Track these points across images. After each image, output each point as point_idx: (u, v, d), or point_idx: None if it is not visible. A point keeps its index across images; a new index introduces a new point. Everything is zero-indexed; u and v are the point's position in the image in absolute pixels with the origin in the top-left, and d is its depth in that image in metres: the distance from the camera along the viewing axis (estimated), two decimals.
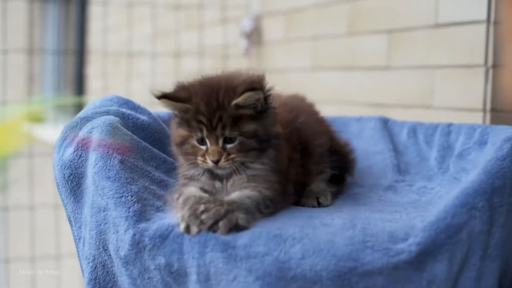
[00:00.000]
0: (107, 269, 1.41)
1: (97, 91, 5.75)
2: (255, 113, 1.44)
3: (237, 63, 3.49)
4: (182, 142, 1.47)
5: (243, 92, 1.41)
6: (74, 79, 7.08)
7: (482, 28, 2.06)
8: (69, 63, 7.45)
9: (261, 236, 1.26)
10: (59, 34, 8.05)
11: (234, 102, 1.41)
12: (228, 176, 1.45)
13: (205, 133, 1.43)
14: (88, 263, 1.42)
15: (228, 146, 1.43)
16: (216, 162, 1.42)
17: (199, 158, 1.44)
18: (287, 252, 1.23)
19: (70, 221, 1.54)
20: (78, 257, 1.54)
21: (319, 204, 1.59)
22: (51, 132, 5.72)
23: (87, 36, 6.30)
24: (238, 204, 1.34)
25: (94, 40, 5.90)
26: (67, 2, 7.88)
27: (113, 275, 1.41)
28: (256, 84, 1.43)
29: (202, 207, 1.32)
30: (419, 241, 1.24)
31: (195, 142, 1.45)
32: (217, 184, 1.46)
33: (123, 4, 4.15)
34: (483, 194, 1.30)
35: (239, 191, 1.41)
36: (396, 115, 2.30)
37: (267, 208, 1.39)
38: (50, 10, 8.14)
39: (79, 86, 6.83)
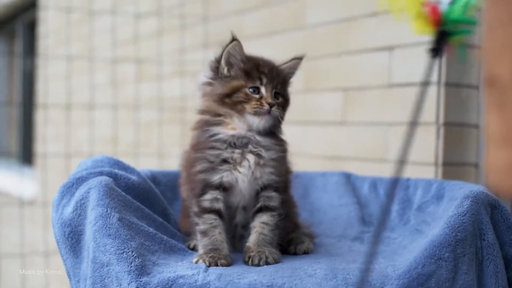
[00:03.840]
0: None
1: (48, 139, 5.79)
2: (288, 87, 1.82)
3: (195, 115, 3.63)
4: (235, 91, 1.71)
5: (291, 60, 1.81)
6: (20, 126, 7.09)
7: (434, 89, 2.27)
8: (15, 111, 7.47)
9: (256, 287, 1.40)
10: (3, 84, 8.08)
11: (285, 65, 1.80)
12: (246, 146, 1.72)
13: (264, 81, 1.72)
14: None
15: (276, 101, 1.73)
16: (271, 106, 1.69)
17: (254, 103, 1.69)
18: None
19: (69, 276, 1.65)
20: None
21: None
22: None
23: (35, 85, 6.35)
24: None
25: (43, 88, 5.96)
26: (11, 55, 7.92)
27: None
28: (298, 57, 1.82)
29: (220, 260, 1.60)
30: None
31: (248, 91, 1.71)
32: (236, 154, 1.70)
33: (83, 56, 4.27)
34: (448, 246, 1.47)
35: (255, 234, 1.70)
36: (352, 167, 2.48)
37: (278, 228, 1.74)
38: None
39: (27, 133, 6.84)
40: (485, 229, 1.56)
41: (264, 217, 1.72)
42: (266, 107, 1.68)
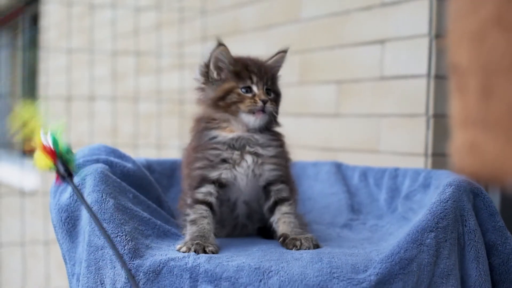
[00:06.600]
0: None
1: None
2: (278, 81, 1.86)
3: (194, 108, 3.69)
4: (227, 93, 1.75)
5: (276, 54, 1.86)
6: None
7: (423, 81, 2.32)
8: (18, 103, 7.52)
9: (243, 269, 1.46)
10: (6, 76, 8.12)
11: (271, 61, 1.85)
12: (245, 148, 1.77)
13: (255, 79, 1.77)
14: None
15: (268, 97, 1.78)
16: (265, 102, 1.74)
17: (248, 102, 1.74)
18: (266, 283, 1.44)
19: (65, 259, 1.71)
20: None
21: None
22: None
23: (37, 78, 6.40)
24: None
25: (45, 80, 6.02)
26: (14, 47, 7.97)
27: None
28: (283, 50, 1.86)
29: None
30: (377, 272, 1.45)
31: (240, 91, 1.76)
32: (235, 155, 1.76)
33: (84, 49, 4.32)
34: (430, 232, 1.53)
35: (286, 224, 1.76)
36: (345, 158, 2.54)
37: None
38: None
39: None
40: (467, 215, 1.62)
41: (284, 208, 1.77)
42: (260, 104, 1.73)
